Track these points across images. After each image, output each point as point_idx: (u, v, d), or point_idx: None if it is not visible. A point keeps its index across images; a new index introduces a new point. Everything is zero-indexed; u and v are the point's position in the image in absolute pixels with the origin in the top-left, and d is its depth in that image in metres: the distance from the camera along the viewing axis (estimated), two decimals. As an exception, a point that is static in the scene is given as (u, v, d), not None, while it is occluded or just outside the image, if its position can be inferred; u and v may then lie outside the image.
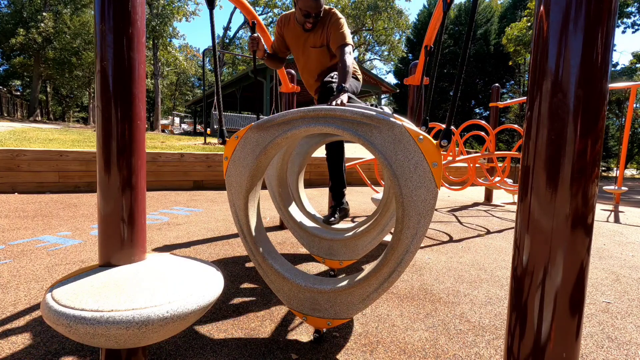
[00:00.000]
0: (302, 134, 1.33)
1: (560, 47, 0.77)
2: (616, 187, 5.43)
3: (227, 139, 1.46)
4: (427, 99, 1.50)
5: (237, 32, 33.14)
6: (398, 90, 19.60)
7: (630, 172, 26.71)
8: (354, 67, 2.23)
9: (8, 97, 24.30)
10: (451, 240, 3.19)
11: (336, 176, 2.31)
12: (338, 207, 2.25)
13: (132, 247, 1.26)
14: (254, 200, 1.49)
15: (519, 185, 0.87)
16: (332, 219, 2.16)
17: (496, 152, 4.57)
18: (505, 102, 5.98)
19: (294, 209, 2.19)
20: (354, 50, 2.09)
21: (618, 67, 21.08)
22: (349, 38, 2.08)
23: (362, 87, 2.31)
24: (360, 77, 2.35)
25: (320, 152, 3.26)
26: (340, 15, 2.13)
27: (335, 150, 2.28)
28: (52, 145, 6.22)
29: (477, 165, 5.23)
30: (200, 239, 2.86)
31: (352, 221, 3.63)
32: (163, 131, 21.02)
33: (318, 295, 1.36)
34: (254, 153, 1.37)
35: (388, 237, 2.69)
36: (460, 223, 4.00)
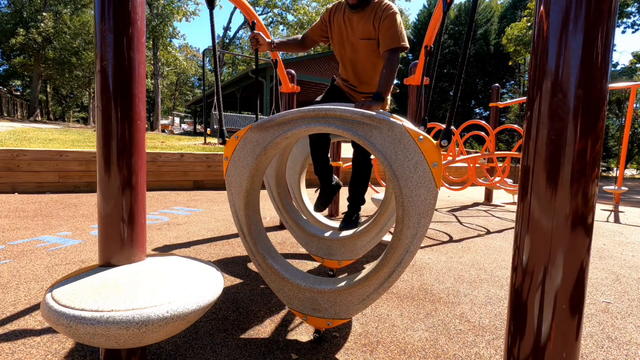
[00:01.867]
0: (302, 134, 1.33)
1: (560, 47, 0.77)
2: (616, 187, 5.42)
3: (227, 139, 1.47)
4: (426, 99, 1.50)
5: (237, 32, 33.13)
6: (398, 91, 19.57)
7: (630, 172, 26.71)
8: None
9: (8, 97, 24.30)
10: (451, 240, 3.19)
11: (358, 193, 2.21)
12: (352, 219, 2.20)
13: (132, 247, 1.27)
14: (254, 200, 1.49)
15: (519, 185, 0.87)
16: (346, 228, 2.15)
17: (496, 152, 4.57)
18: (505, 102, 5.98)
19: (292, 209, 2.19)
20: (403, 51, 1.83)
21: (618, 67, 21.08)
22: (403, 39, 1.80)
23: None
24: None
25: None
26: (395, 8, 1.82)
27: (362, 165, 2.15)
28: (52, 145, 6.22)
29: (477, 165, 5.23)
30: (200, 239, 2.86)
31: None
32: (163, 131, 21.03)
33: (318, 295, 1.36)
34: (254, 153, 1.37)
35: (387, 237, 2.69)
36: (460, 223, 4.00)
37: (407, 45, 1.82)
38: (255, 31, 1.97)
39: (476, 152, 9.00)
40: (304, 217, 2.24)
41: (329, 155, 2.20)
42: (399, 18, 1.81)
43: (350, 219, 2.20)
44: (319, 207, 2.14)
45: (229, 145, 1.43)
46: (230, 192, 1.45)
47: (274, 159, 2.13)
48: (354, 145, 2.09)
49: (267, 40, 1.94)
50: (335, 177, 2.23)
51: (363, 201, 2.24)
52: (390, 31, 1.78)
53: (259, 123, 1.36)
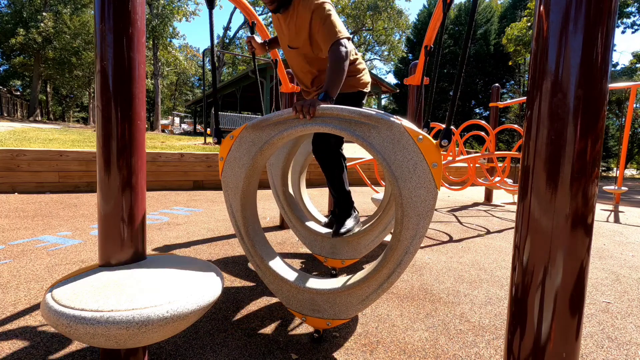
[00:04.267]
0: (298, 133, 1.31)
1: (560, 47, 0.77)
2: (616, 187, 5.42)
3: (223, 139, 1.45)
4: (428, 100, 1.49)
5: (237, 32, 33.12)
6: (398, 90, 19.57)
7: (630, 172, 26.69)
8: (355, 72, 1.86)
9: (8, 97, 24.29)
10: (451, 240, 3.19)
11: (339, 194, 1.93)
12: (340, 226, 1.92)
13: (132, 247, 1.27)
14: (251, 200, 1.48)
15: (519, 185, 0.87)
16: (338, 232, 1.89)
17: (496, 152, 4.57)
18: (505, 102, 5.98)
19: (297, 208, 2.19)
20: (349, 41, 1.59)
21: (618, 67, 21.07)
22: (340, 28, 1.57)
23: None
24: (366, 86, 1.94)
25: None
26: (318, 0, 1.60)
27: (328, 163, 1.89)
28: (52, 145, 6.22)
29: (477, 165, 5.23)
30: (200, 239, 2.86)
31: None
32: (163, 131, 21.03)
33: (317, 296, 1.35)
34: (250, 153, 1.36)
35: (389, 237, 2.69)
36: (460, 223, 4.00)
37: (344, 33, 1.58)
38: (250, 35, 1.99)
39: (476, 152, 9.00)
40: (308, 217, 2.23)
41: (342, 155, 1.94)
42: (327, 7, 1.60)
43: (339, 228, 1.91)
44: (336, 235, 1.90)
45: (224, 145, 1.42)
46: (226, 192, 1.45)
47: (282, 159, 2.13)
48: (314, 140, 1.88)
49: (260, 42, 1.97)
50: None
51: (350, 202, 1.98)
52: (323, 29, 1.57)
53: (254, 122, 1.35)
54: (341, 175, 1.96)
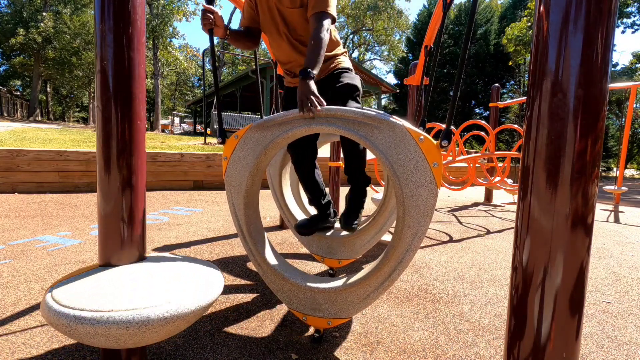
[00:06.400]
0: (302, 133, 1.33)
1: (560, 47, 0.77)
2: (616, 187, 5.42)
3: (227, 139, 1.46)
4: (426, 99, 1.49)
5: (237, 32, 33.09)
6: (398, 90, 19.54)
7: (630, 172, 26.69)
8: (340, 59, 1.76)
9: (8, 97, 24.31)
10: (451, 240, 3.19)
11: (359, 173, 1.83)
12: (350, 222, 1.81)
13: (132, 247, 1.27)
14: (253, 200, 1.49)
15: (519, 185, 0.87)
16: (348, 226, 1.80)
17: (496, 152, 4.57)
18: (505, 102, 5.98)
19: (294, 208, 2.20)
20: (333, 23, 1.56)
21: (618, 67, 21.06)
22: (329, 4, 1.51)
23: (362, 87, 1.79)
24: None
25: (321, 152, 3.22)
26: None
27: (352, 152, 1.79)
28: (52, 145, 6.23)
29: (477, 165, 5.23)
30: (200, 239, 2.86)
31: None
32: (163, 131, 21.02)
33: (318, 295, 1.36)
34: (254, 153, 1.37)
35: (386, 237, 2.70)
36: (460, 223, 4.00)
37: (333, 13, 1.54)
38: (210, 6, 1.49)
39: (476, 152, 9.01)
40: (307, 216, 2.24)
41: (316, 163, 1.88)
42: None
43: (350, 215, 1.84)
44: (301, 228, 1.82)
45: (229, 145, 1.43)
46: (229, 192, 1.45)
47: (278, 159, 2.14)
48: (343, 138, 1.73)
49: (225, 24, 1.57)
50: (328, 194, 1.93)
51: (368, 181, 1.87)
52: None
53: (259, 122, 1.36)
54: (364, 166, 1.88)
